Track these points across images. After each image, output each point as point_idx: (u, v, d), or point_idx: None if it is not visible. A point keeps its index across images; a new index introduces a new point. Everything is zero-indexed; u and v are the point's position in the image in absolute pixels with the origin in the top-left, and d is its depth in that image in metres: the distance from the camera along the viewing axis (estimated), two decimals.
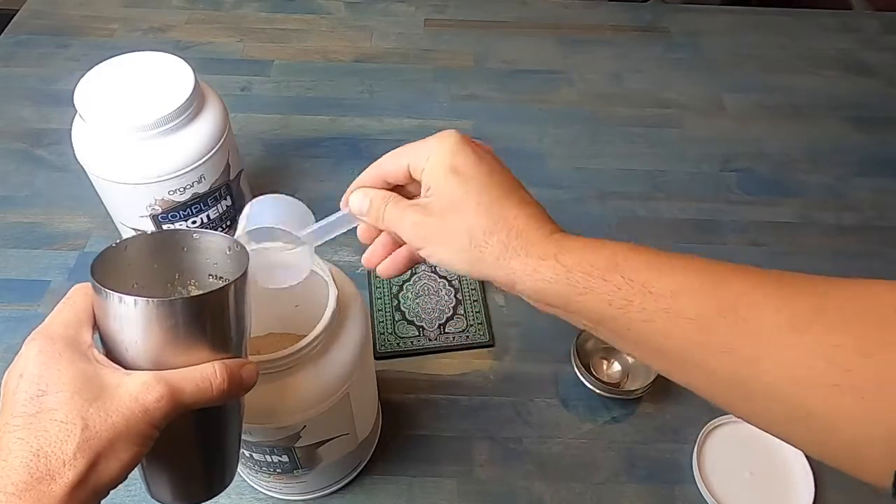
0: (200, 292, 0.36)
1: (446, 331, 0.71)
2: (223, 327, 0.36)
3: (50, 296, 0.73)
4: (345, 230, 0.43)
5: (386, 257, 0.42)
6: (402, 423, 0.65)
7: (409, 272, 0.75)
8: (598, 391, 0.65)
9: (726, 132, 0.94)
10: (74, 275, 0.74)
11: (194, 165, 0.61)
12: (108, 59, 0.63)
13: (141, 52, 0.63)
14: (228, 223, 0.69)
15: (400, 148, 0.39)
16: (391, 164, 0.40)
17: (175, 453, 0.37)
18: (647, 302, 0.32)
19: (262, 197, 0.43)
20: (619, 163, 0.89)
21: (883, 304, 0.29)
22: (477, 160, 0.37)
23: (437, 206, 0.37)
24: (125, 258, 0.38)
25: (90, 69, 0.62)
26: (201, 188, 0.63)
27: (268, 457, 0.51)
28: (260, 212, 0.42)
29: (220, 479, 0.40)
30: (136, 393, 0.32)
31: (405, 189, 0.41)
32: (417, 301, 0.73)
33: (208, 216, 0.66)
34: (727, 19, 1.11)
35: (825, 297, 0.30)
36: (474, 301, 0.73)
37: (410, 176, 0.39)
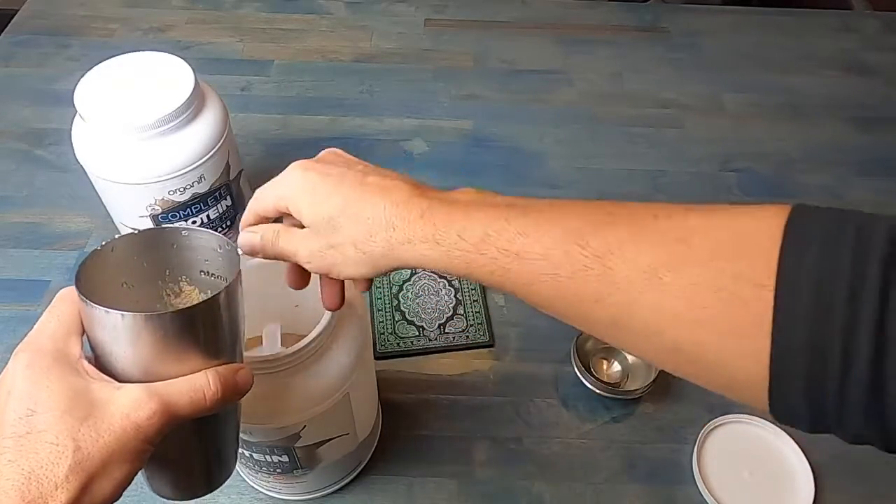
0: (190, 303, 0.35)
1: (446, 331, 0.71)
2: (216, 335, 0.36)
3: (50, 296, 0.72)
4: None
5: (335, 296, 0.44)
6: (402, 423, 0.65)
7: (409, 272, 0.75)
8: (598, 391, 0.65)
9: (726, 132, 0.94)
10: (74, 275, 0.74)
11: (194, 165, 0.61)
12: (108, 59, 0.63)
13: (141, 52, 0.63)
14: (228, 223, 0.69)
15: (260, 189, 0.41)
16: (260, 206, 0.41)
17: (174, 452, 0.37)
18: (524, 268, 0.34)
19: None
20: (619, 163, 0.89)
21: (741, 235, 0.30)
22: (323, 176, 0.39)
23: (320, 232, 0.38)
24: (112, 259, 0.37)
25: (90, 69, 0.62)
26: (201, 188, 0.63)
27: (268, 457, 0.52)
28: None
29: (220, 472, 0.40)
30: (128, 410, 0.32)
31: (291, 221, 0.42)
32: (417, 301, 0.73)
33: (208, 216, 0.66)
34: (727, 19, 1.11)
35: (690, 235, 0.31)
36: (474, 301, 0.73)
37: (283, 211, 0.40)
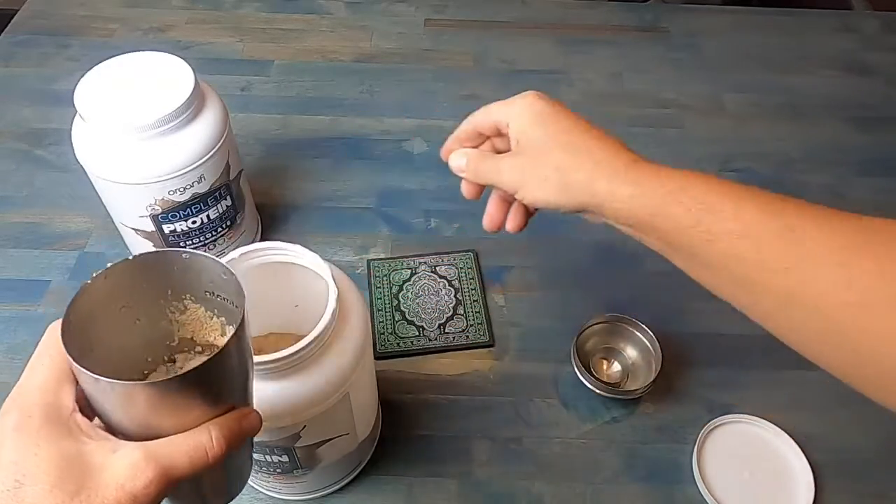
0: (194, 365, 0.32)
1: (446, 331, 0.71)
2: (224, 385, 0.33)
3: (50, 296, 0.73)
4: None
5: (501, 217, 0.49)
6: (402, 423, 0.65)
7: (409, 272, 0.75)
8: (598, 391, 0.65)
9: (726, 132, 0.94)
10: (75, 275, 0.74)
11: (194, 165, 0.61)
12: (108, 59, 0.63)
13: (141, 52, 0.63)
14: (228, 223, 0.69)
15: (488, 106, 0.47)
16: (482, 118, 0.48)
17: (183, 491, 0.36)
18: (713, 223, 0.36)
19: None
20: None
21: None
22: (554, 110, 0.43)
23: (527, 153, 0.43)
24: (106, 285, 0.34)
25: (90, 69, 0.62)
26: (201, 188, 0.63)
27: (268, 457, 0.52)
28: None
29: (235, 488, 0.40)
30: (123, 480, 0.29)
31: (493, 144, 0.49)
32: (417, 301, 0.73)
33: (208, 216, 0.66)
34: (727, 19, 1.11)
35: (869, 230, 0.34)
36: (474, 301, 0.73)
37: (498, 130, 0.46)
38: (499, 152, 0.48)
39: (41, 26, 1.04)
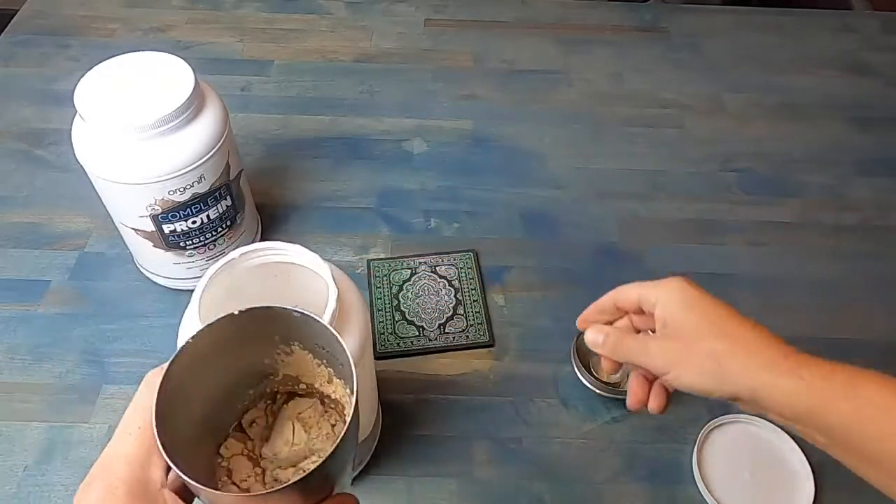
0: (313, 468, 0.30)
1: (446, 331, 0.71)
2: (322, 488, 0.32)
3: (50, 296, 0.73)
4: None
5: (644, 397, 0.48)
6: (402, 423, 0.65)
7: (409, 272, 0.75)
8: (598, 391, 0.65)
9: (726, 132, 0.94)
10: (75, 275, 0.74)
11: (194, 165, 0.61)
12: (108, 59, 0.63)
13: (141, 52, 0.63)
14: (228, 223, 0.69)
15: (630, 284, 0.47)
16: (625, 295, 0.47)
17: None
18: (885, 423, 0.35)
19: None
20: (619, 163, 0.89)
21: None
22: (704, 296, 0.44)
23: (679, 337, 0.43)
24: (210, 337, 0.33)
25: (90, 69, 0.62)
26: (201, 188, 0.63)
27: None
28: None
29: None
30: None
31: (632, 321, 0.49)
32: (417, 301, 0.73)
33: (208, 216, 0.66)
34: (727, 19, 1.11)
35: None
36: (474, 301, 0.73)
37: (641, 308, 0.46)
38: (637, 330, 0.49)
39: (41, 26, 1.04)
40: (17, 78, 0.96)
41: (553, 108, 0.96)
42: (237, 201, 0.69)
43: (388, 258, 0.77)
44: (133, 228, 0.65)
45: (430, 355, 0.70)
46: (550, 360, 0.69)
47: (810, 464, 0.62)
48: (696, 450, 0.63)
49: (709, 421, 0.64)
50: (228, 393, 0.38)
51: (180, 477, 0.28)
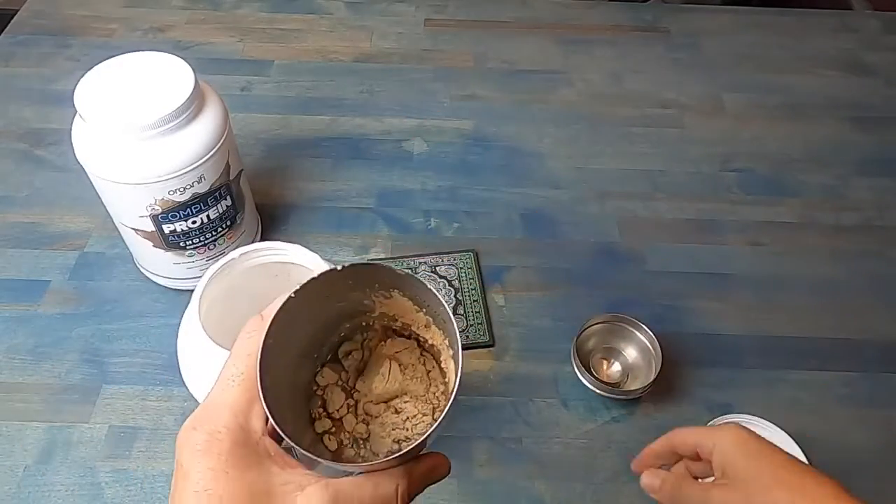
0: (413, 443, 0.31)
1: None
2: (423, 446, 0.32)
3: (49, 296, 0.73)
4: None
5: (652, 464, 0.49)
6: None
7: (409, 271, 0.75)
8: (598, 391, 0.65)
9: (726, 132, 0.94)
10: (74, 275, 0.74)
11: (194, 165, 0.61)
12: (108, 59, 0.63)
13: (141, 52, 0.63)
14: (228, 223, 0.69)
15: (687, 429, 0.48)
16: (681, 439, 0.48)
17: None
18: None
19: None
20: (619, 163, 0.89)
21: None
22: (763, 444, 0.44)
23: (740, 487, 0.42)
24: (314, 288, 0.34)
25: (90, 69, 0.62)
26: (201, 188, 0.63)
27: None
28: None
29: None
30: None
31: (688, 467, 0.49)
32: None
33: (208, 216, 0.66)
34: (727, 19, 1.11)
35: None
36: (474, 301, 0.73)
37: (697, 454, 0.46)
38: (693, 476, 0.49)
39: (41, 26, 1.04)
40: (17, 78, 0.96)
41: (553, 108, 0.96)
42: (237, 201, 0.69)
43: (388, 258, 0.77)
44: (133, 228, 0.65)
45: None
46: (550, 360, 0.69)
47: (810, 464, 0.62)
48: None
49: (709, 421, 0.64)
50: (325, 326, 0.38)
51: (289, 444, 0.29)
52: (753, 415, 0.65)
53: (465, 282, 0.75)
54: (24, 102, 0.93)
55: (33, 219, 0.80)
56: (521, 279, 0.76)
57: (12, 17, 1.05)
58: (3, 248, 0.77)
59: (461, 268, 0.76)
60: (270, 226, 0.80)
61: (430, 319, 0.39)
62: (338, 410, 0.38)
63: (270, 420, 0.30)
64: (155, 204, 0.62)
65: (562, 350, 0.69)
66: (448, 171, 0.87)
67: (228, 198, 0.68)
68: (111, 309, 0.72)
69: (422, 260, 0.76)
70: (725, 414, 0.65)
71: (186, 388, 0.52)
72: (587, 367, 0.66)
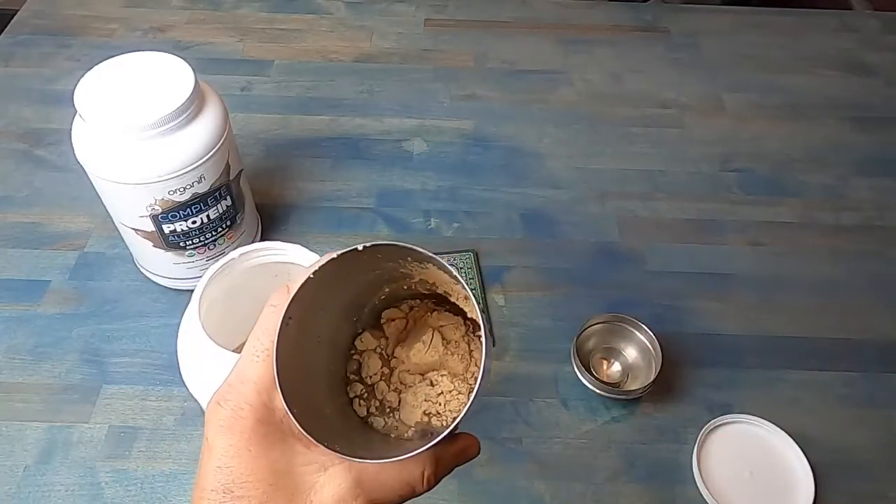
0: (444, 433, 0.30)
1: None
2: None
3: (49, 296, 0.73)
4: None
5: None
6: None
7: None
8: (598, 391, 0.65)
9: (726, 132, 0.94)
10: (74, 275, 0.74)
11: (194, 165, 0.61)
12: (108, 59, 0.63)
13: (141, 52, 0.63)
14: (228, 223, 0.69)
15: None
16: None
17: None
18: None
19: None
20: (619, 163, 0.89)
21: None
22: None
23: None
24: (335, 267, 0.33)
25: (90, 69, 0.62)
26: (201, 188, 0.63)
27: None
28: None
29: None
30: None
31: None
32: None
33: (208, 216, 0.66)
34: (727, 19, 1.11)
35: None
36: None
37: None
38: None
39: (41, 26, 1.04)
40: (17, 78, 0.96)
41: (553, 108, 0.96)
42: (237, 201, 0.69)
43: None
44: (133, 228, 0.65)
45: None
46: (550, 360, 0.69)
47: (810, 464, 0.62)
48: (696, 450, 0.63)
49: (709, 421, 0.64)
50: (366, 288, 0.38)
51: (298, 430, 0.28)
52: (753, 415, 0.65)
53: (465, 281, 0.75)
54: (24, 102, 0.93)
55: (33, 219, 0.80)
56: (521, 279, 0.76)
57: (12, 17, 1.05)
58: (3, 248, 0.77)
59: (461, 268, 0.76)
60: (270, 226, 0.80)
61: (469, 293, 0.38)
62: (371, 377, 0.38)
63: (283, 406, 0.29)
64: (155, 204, 0.62)
65: (562, 350, 0.69)
66: (448, 171, 0.87)
67: (228, 198, 0.68)
68: (111, 309, 0.72)
69: None
70: (726, 414, 0.65)
71: (186, 388, 0.52)
72: (587, 367, 0.66)
